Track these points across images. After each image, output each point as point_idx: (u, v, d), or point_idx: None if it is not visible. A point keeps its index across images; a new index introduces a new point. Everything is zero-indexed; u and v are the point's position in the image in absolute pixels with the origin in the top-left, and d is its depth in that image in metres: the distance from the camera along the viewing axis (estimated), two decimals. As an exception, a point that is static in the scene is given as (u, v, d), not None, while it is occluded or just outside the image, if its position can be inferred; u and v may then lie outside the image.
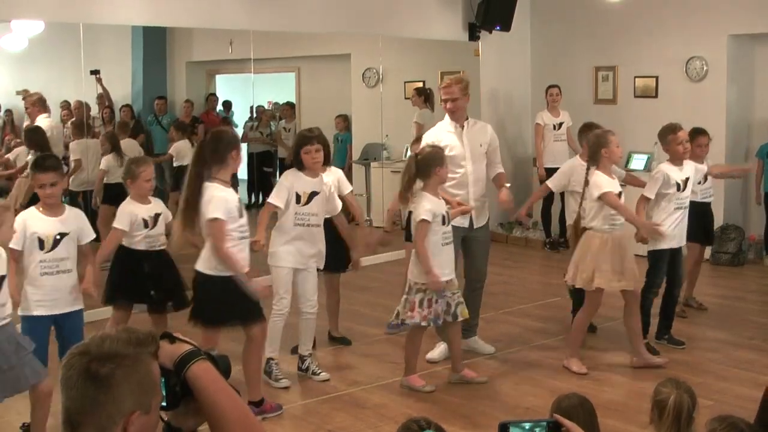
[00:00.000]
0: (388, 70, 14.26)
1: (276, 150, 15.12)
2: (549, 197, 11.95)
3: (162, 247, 6.80)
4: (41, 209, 5.98)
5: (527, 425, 2.69)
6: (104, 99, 14.49)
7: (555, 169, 11.76)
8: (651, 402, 3.96)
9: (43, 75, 14.90)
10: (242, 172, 14.88)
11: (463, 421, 6.23)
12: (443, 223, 6.68)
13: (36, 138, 10.33)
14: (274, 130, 15.37)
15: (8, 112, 16.02)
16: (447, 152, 7.13)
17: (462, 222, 7.36)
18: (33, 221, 5.89)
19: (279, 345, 7.02)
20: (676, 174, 7.49)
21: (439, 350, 7.54)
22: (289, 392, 6.85)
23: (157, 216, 6.76)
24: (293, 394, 6.85)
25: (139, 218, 6.68)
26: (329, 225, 7.20)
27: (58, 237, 5.91)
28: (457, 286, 6.85)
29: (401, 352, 7.27)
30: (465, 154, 7.47)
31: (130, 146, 12.31)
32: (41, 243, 5.87)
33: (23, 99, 12.42)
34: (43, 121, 11.11)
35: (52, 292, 5.92)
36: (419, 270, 6.64)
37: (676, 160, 7.53)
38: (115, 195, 10.93)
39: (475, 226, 7.54)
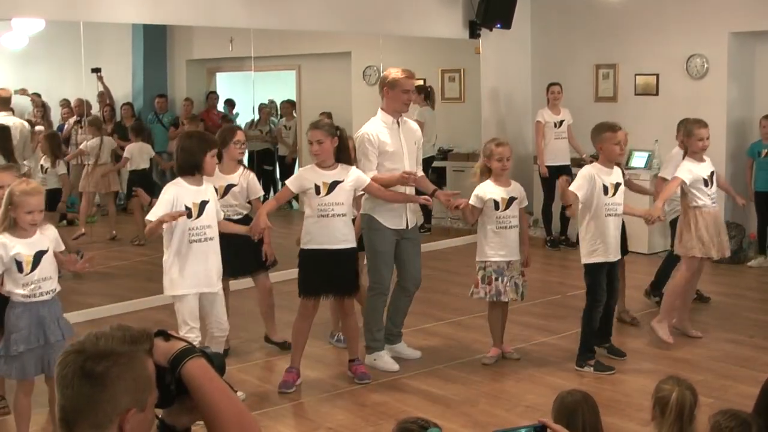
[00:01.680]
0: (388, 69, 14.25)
1: (276, 148, 15.12)
2: (550, 195, 11.97)
3: None
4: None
5: None
6: (105, 97, 14.49)
7: (556, 167, 11.84)
8: (652, 399, 3.96)
9: (43, 73, 14.90)
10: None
11: (464, 419, 6.22)
12: (496, 208, 7.21)
13: None
14: (274, 128, 15.37)
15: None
16: (386, 148, 7.17)
17: (398, 224, 7.28)
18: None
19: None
20: (605, 177, 7.17)
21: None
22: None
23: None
24: (296, 391, 6.84)
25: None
26: None
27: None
28: (518, 269, 7.33)
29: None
30: (403, 150, 7.29)
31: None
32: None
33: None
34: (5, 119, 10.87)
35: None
36: (480, 249, 7.26)
37: (608, 162, 7.23)
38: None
39: (409, 227, 7.40)
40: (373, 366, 7.27)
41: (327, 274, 6.72)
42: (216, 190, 6.71)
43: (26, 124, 11.46)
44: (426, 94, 13.16)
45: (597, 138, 7.22)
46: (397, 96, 7.28)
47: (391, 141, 7.23)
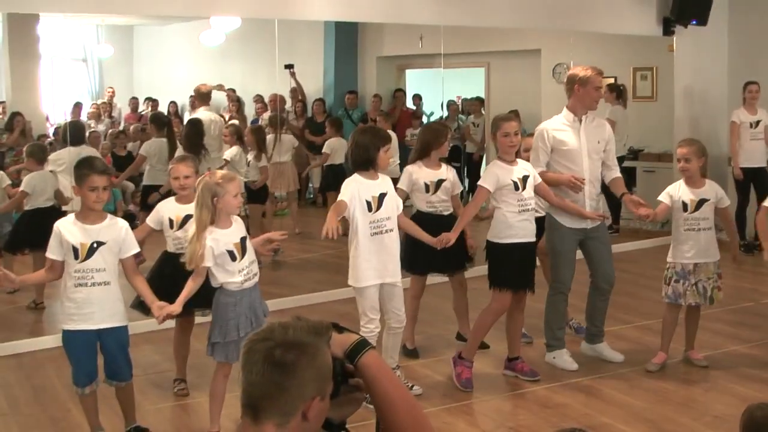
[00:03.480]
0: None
1: (465, 145, 15.16)
2: (744, 199, 11.57)
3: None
4: (78, 217, 5.61)
5: None
6: (297, 93, 14.85)
7: (751, 169, 11.44)
8: None
9: (238, 69, 15.39)
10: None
11: (647, 425, 6.08)
12: (684, 209, 7.18)
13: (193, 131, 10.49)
14: (462, 125, 15.42)
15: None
16: (562, 147, 7.10)
17: (578, 223, 7.18)
18: (68, 230, 5.54)
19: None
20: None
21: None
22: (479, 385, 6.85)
23: (187, 218, 6.27)
24: (483, 388, 6.84)
25: (166, 218, 6.52)
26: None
27: (94, 246, 5.53)
28: (712, 271, 7.16)
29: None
30: (581, 150, 7.20)
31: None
32: (75, 252, 5.52)
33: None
34: (202, 113, 11.32)
35: (86, 305, 5.57)
36: (670, 248, 7.21)
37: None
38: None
39: (591, 225, 7.26)
40: (553, 364, 7.25)
41: (521, 268, 6.81)
42: (427, 185, 7.17)
43: (219, 118, 11.89)
44: (618, 92, 12.93)
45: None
46: (588, 93, 7.19)
47: (569, 139, 7.17)
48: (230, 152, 10.97)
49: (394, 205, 6.39)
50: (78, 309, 5.54)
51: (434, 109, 15.46)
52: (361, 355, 2.47)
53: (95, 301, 5.55)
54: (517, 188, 6.69)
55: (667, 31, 12.16)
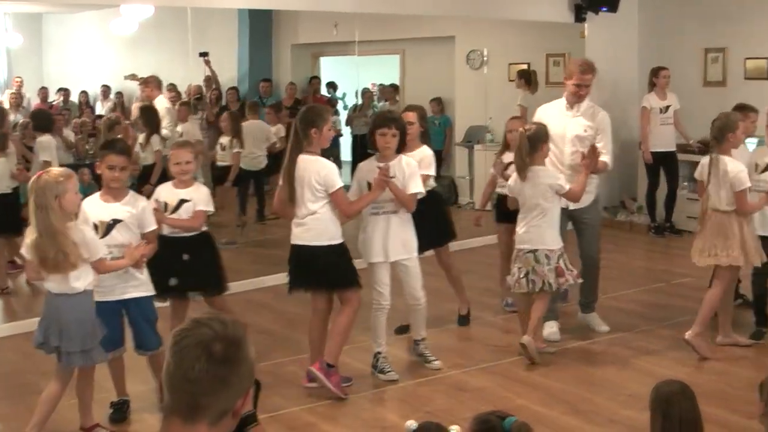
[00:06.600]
0: (493, 53, 14.19)
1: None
2: (654, 182, 11.80)
3: (191, 234, 6.54)
4: (101, 195, 5.95)
5: None
6: (212, 81, 14.72)
7: (661, 153, 11.65)
8: (762, 394, 3.80)
9: (151, 58, 15.20)
10: (346, 155, 15.01)
11: (565, 406, 6.17)
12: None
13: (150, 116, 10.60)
14: (376, 112, 15.42)
15: (119, 94, 16.41)
16: (549, 131, 7.18)
17: (564, 203, 7.29)
18: (90, 207, 5.86)
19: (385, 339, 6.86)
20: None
21: (551, 328, 7.54)
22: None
23: (181, 202, 6.49)
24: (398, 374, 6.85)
25: (162, 202, 6.51)
26: (428, 201, 7.03)
27: (111, 222, 5.81)
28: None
29: (503, 336, 7.45)
30: (564, 136, 7.44)
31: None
32: (95, 229, 5.74)
33: (139, 84, 12.64)
34: (160, 101, 11.34)
35: (107, 278, 5.75)
36: (554, 235, 6.96)
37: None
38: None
39: (571, 207, 7.42)
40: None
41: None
42: None
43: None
44: (527, 78, 13.06)
45: None
46: (568, 86, 7.61)
47: (554, 124, 7.31)
48: (182, 126, 11.38)
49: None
50: (100, 282, 5.68)
51: (349, 97, 15.48)
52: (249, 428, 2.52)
53: (115, 275, 5.77)
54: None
55: (579, 17, 12.30)
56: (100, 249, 5.48)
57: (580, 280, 7.26)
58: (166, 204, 6.48)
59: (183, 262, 6.48)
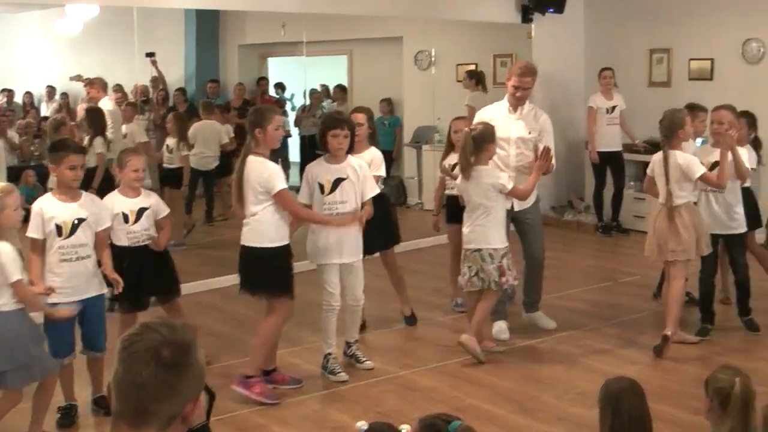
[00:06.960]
0: (441, 53, 14.22)
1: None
2: (601, 182, 11.90)
3: (146, 243, 6.47)
4: (58, 195, 5.89)
5: None
6: (159, 82, 14.60)
7: (607, 153, 11.75)
8: (707, 391, 3.86)
9: (97, 58, 15.04)
10: (294, 155, 14.94)
11: (513, 405, 6.20)
12: None
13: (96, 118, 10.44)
14: (326, 113, 15.37)
15: (64, 95, 16.22)
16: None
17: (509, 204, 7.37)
18: (50, 207, 5.80)
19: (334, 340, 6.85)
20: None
21: (499, 327, 7.60)
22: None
23: (142, 210, 6.46)
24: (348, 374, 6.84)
25: (120, 213, 6.39)
26: (376, 203, 6.94)
27: (76, 222, 5.81)
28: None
29: (452, 336, 7.42)
30: (509, 138, 7.48)
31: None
32: (59, 229, 5.77)
33: (84, 85, 12.49)
34: (105, 103, 11.23)
35: (71, 279, 5.81)
36: (499, 234, 6.97)
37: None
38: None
39: (516, 209, 7.51)
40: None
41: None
42: None
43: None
44: (477, 79, 13.11)
45: None
46: (508, 88, 7.66)
47: (499, 127, 7.30)
48: (127, 127, 11.32)
49: (352, 190, 6.56)
50: (63, 283, 5.75)
51: (297, 98, 15.40)
52: None
53: (79, 274, 5.83)
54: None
55: (526, 18, 12.38)
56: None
57: (516, 282, 7.27)
58: (125, 214, 6.40)
59: (149, 270, 6.45)
